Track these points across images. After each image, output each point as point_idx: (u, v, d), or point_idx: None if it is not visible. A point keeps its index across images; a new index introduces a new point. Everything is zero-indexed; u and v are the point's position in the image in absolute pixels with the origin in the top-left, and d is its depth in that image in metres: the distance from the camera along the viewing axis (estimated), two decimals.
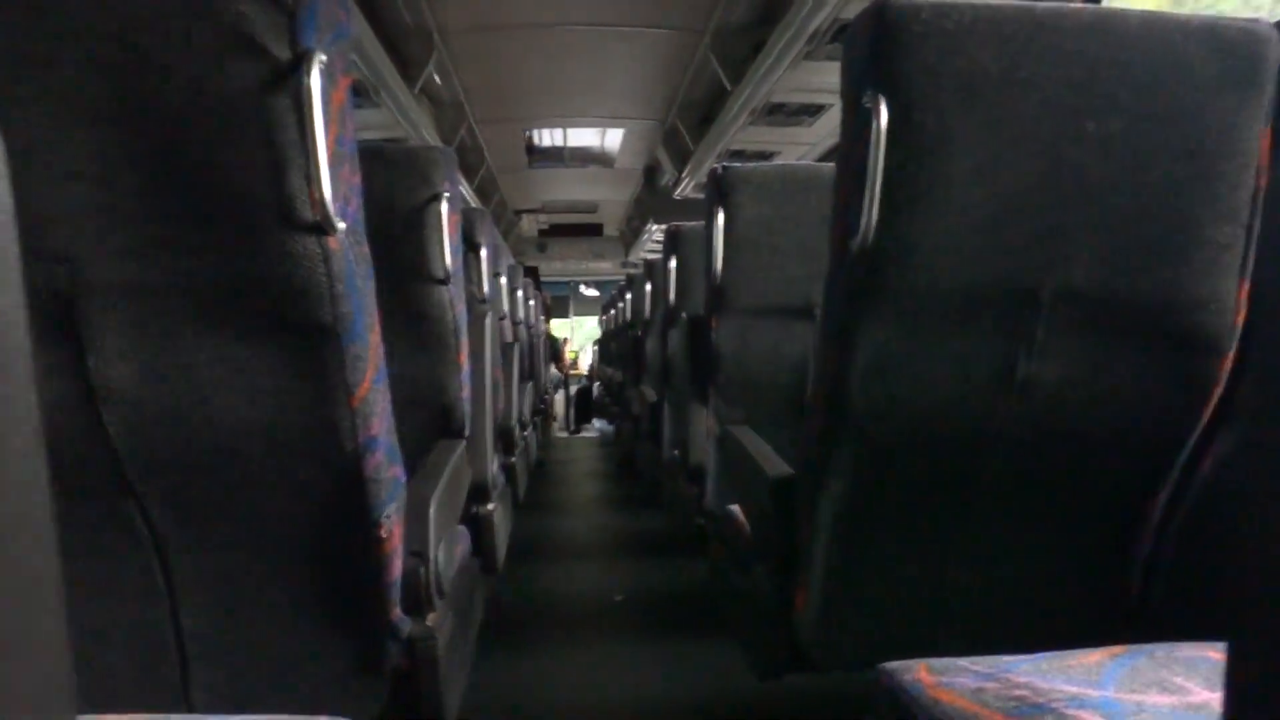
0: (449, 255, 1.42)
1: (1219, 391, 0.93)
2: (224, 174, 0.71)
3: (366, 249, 0.84)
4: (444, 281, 1.42)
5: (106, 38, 0.67)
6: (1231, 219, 0.86)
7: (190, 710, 0.95)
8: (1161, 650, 0.77)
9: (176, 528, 0.88)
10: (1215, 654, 0.75)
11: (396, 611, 0.98)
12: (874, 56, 0.81)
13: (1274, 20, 0.86)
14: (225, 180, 0.72)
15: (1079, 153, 0.83)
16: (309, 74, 0.69)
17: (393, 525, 0.93)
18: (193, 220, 0.73)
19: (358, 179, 0.82)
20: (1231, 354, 0.91)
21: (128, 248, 0.73)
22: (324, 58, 0.70)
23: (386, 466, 0.91)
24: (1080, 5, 0.83)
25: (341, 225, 0.75)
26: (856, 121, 0.85)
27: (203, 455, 0.84)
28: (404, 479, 0.97)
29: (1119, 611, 1.05)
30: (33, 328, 0.28)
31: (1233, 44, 0.83)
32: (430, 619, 1.06)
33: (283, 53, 0.69)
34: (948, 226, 0.84)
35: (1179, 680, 0.72)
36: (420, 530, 1.03)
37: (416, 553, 1.02)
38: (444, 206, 1.39)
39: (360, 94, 3.87)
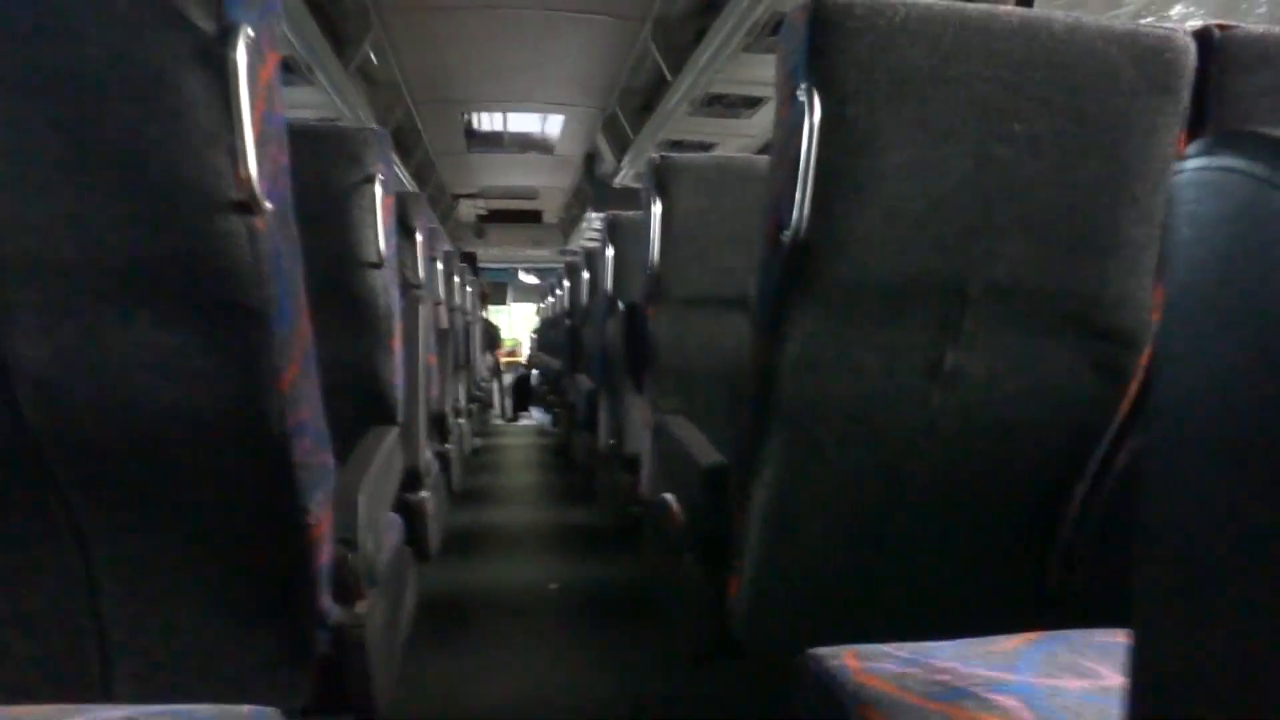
0: (382, 239, 1.39)
1: (1135, 386, 0.97)
2: (145, 149, 0.69)
3: (295, 230, 0.82)
4: (376, 265, 1.40)
5: (22, 3, 0.64)
6: (1149, 220, 0.89)
7: (113, 701, 0.92)
8: (1077, 636, 0.80)
9: (97, 514, 0.85)
10: (1126, 639, 0.78)
11: (325, 599, 0.96)
12: (808, 51, 0.82)
13: (1189, 29, 0.89)
14: (146, 156, 0.69)
15: (1006, 152, 0.85)
16: (235, 48, 0.67)
17: (321, 512, 0.91)
18: (112, 197, 0.70)
19: (286, 158, 0.79)
20: (1148, 350, 0.95)
21: (43, 223, 0.70)
22: (251, 32, 0.68)
23: (315, 452, 0.89)
24: (1009, 8, 0.85)
25: (269, 205, 0.73)
26: (790, 115, 0.86)
27: (123, 440, 0.81)
28: (333, 465, 0.96)
29: (1038, 599, 1.09)
30: None
31: (1152, 51, 0.86)
32: (360, 607, 1.04)
33: (208, 25, 0.66)
34: (878, 221, 0.86)
35: (1091, 665, 0.74)
36: (349, 517, 1.02)
37: (346, 540, 1.01)
38: (377, 189, 1.36)
39: (292, 71, 3.76)
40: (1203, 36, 0.88)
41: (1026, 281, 0.90)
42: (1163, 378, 0.38)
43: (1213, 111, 0.89)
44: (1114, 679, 0.72)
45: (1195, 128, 0.89)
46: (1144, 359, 0.96)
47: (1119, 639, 0.80)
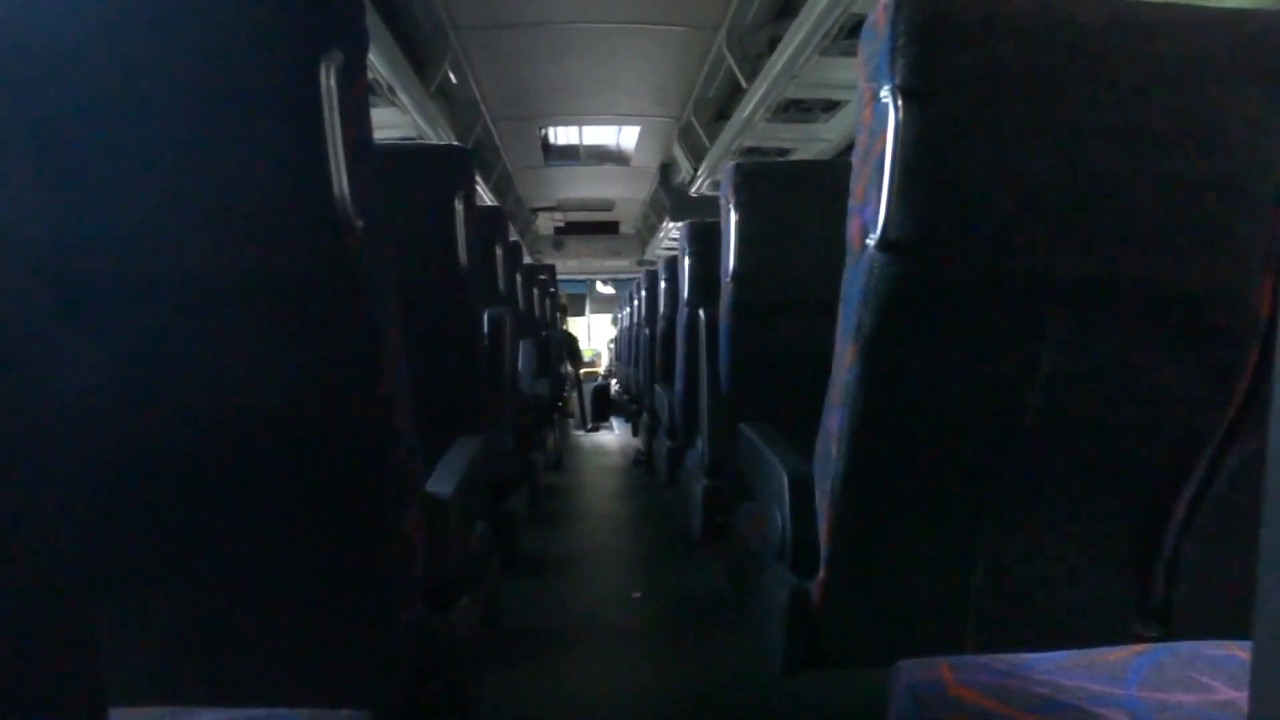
0: (467, 253, 1.42)
1: (1243, 387, 0.92)
2: (243, 172, 0.72)
3: (386, 247, 0.85)
4: (462, 279, 1.43)
5: (128, 35, 0.68)
6: (1256, 213, 0.85)
7: (214, 703, 0.96)
8: (1186, 649, 0.77)
9: (199, 522, 0.89)
10: (1240, 652, 0.75)
11: (418, 606, 0.99)
12: (890, 51, 0.81)
13: None
14: (244, 178, 0.72)
15: (1099, 147, 0.83)
16: (327, 74, 0.70)
17: (414, 520, 0.94)
18: (213, 218, 0.74)
19: (376, 177, 0.82)
20: (1256, 349, 0.90)
21: (148, 244, 0.74)
22: (341, 57, 0.71)
23: (408, 462, 0.92)
24: None
25: (360, 223, 0.76)
26: (874, 116, 0.85)
27: (225, 450, 0.85)
28: (425, 474, 0.98)
29: (1142, 609, 1.04)
30: (53, 320, 0.29)
31: (1254, 37, 0.82)
32: (451, 613, 1.07)
33: (300, 53, 0.69)
34: (966, 221, 0.84)
35: (1204, 679, 0.71)
36: (441, 525, 1.04)
37: (438, 547, 1.03)
38: (462, 205, 1.40)
39: (376, 94, 3.89)
40: None
41: (1124, 280, 0.87)
42: None
43: None
44: (1228, 694, 0.69)
45: None
46: (1252, 358, 0.91)
47: (1232, 652, 0.76)
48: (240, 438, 0.84)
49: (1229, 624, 0.78)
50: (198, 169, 0.72)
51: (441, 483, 1.11)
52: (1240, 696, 0.68)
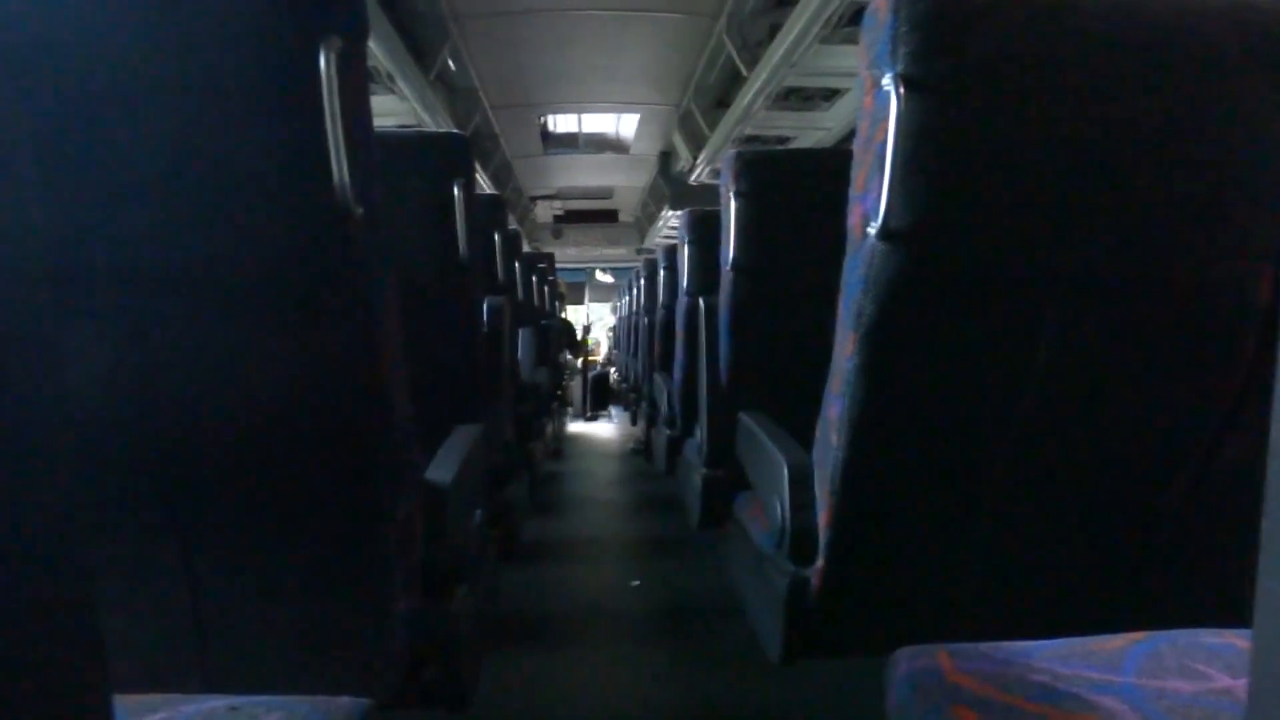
0: (466, 241, 1.42)
1: (1241, 377, 0.92)
2: (242, 160, 0.72)
3: (385, 235, 0.84)
4: (461, 267, 1.43)
5: (126, 22, 0.67)
6: (1258, 203, 0.85)
7: (213, 690, 0.96)
8: (1183, 637, 0.77)
9: (197, 510, 0.89)
10: (1237, 640, 0.75)
11: (416, 594, 0.99)
12: (892, 38, 0.80)
13: None
14: (243, 166, 0.72)
15: (1102, 136, 0.82)
16: (327, 61, 0.69)
17: (412, 509, 0.94)
18: (211, 206, 0.73)
19: (375, 164, 0.82)
20: (1254, 338, 0.90)
21: (147, 233, 0.74)
22: (340, 44, 0.70)
23: (405, 450, 0.91)
24: None
25: (360, 211, 0.75)
26: (875, 104, 0.84)
27: (222, 438, 0.85)
28: (423, 463, 0.98)
29: (1141, 597, 1.05)
30: (54, 316, 0.29)
31: (1259, 26, 0.81)
32: (449, 602, 1.07)
33: (300, 39, 0.69)
34: (967, 211, 0.83)
35: (1201, 667, 0.71)
36: (439, 514, 1.04)
37: (435, 536, 1.03)
38: (461, 193, 1.39)
39: (376, 81, 3.88)
40: None
41: (1124, 270, 0.87)
42: None
43: None
44: (1225, 681, 0.69)
45: None
46: (1250, 348, 0.91)
47: (1230, 640, 0.76)
48: (238, 427, 0.84)
49: (1226, 612, 0.78)
50: (197, 159, 0.72)
51: (440, 471, 1.11)
52: (1237, 685, 0.68)
